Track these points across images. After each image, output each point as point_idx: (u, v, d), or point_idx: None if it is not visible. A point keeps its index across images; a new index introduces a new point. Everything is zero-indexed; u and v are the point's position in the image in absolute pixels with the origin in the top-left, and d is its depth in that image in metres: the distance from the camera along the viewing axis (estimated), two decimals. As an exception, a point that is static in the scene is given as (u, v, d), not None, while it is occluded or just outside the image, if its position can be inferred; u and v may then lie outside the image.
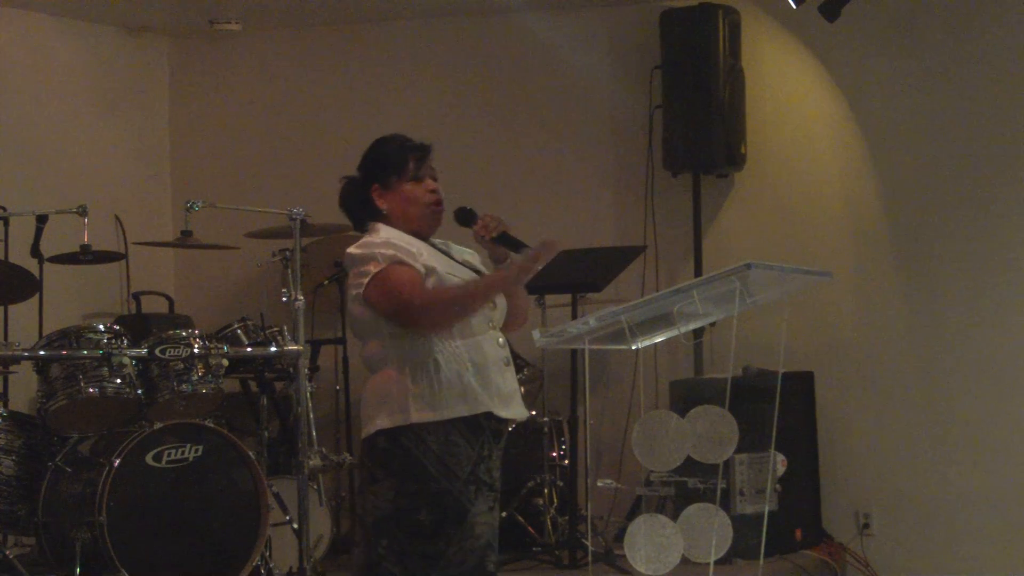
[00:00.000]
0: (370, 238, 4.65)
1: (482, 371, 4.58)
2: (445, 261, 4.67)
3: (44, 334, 7.07)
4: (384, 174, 4.70)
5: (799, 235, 8.12)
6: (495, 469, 4.65)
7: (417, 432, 4.52)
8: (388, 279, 4.54)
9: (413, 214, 4.68)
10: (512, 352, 4.77)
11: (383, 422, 4.56)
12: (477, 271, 4.72)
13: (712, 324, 6.95)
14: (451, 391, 4.54)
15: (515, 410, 4.67)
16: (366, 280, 4.56)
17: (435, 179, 4.73)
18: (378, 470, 4.59)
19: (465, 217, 4.71)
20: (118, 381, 6.59)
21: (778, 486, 7.05)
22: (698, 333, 7.57)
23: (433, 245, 4.72)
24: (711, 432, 5.15)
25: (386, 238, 4.61)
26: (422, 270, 4.56)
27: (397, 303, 4.54)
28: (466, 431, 4.57)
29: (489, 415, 4.59)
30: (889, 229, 8.04)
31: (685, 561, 5.15)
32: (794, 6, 7.33)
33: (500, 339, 4.68)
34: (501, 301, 4.71)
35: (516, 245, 4.68)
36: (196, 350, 6.60)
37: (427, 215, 4.69)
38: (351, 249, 4.66)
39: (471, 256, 4.81)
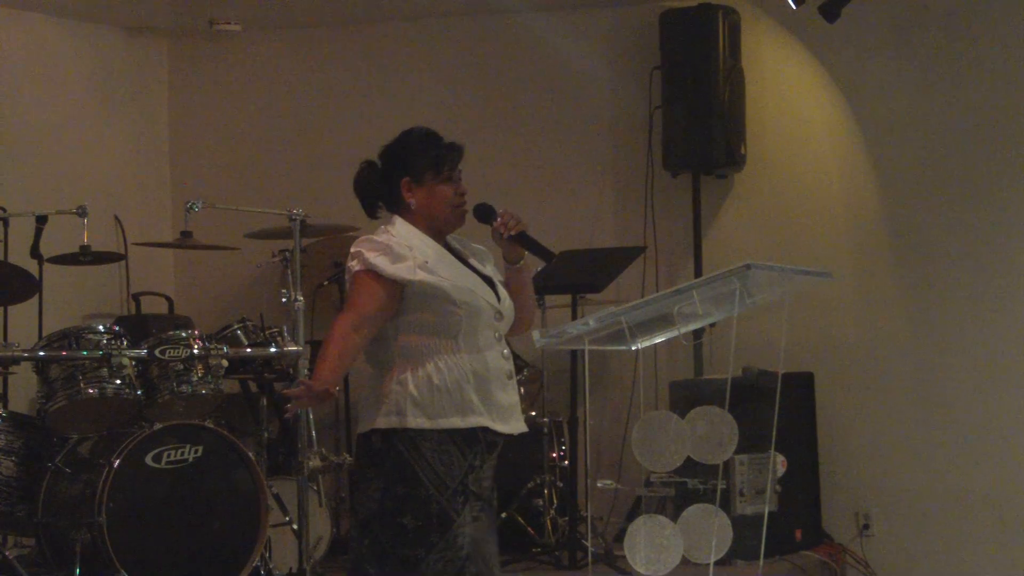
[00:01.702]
0: (375, 236, 4.64)
1: (483, 384, 4.58)
2: (452, 265, 4.66)
3: (44, 335, 7.07)
4: (418, 169, 4.68)
5: (799, 235, 8.12)
6: (486, 479, 4.65)
7: (412, 437, 4.53)
8: (354, 284, 4.58)
9: (440, 213, 4.68)
10: (512, 353, 4.76)
11: (379, 422, 4.57)
12: (485, 276, 4.71)
13: (712, 325, 6.94)
14: (449, 402, 4.54)
15: (513, 425, 4.67)
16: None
17: (461, 180, 4.73)
18: (369, 468, 4.60)
19: (484, 213, 4.73)
20: (118, 382, 6.58)
21: (778, 487, 7.04)
22: (698, 334, 7.56)
23: (448, 245, 4.72)
24: (711, 433, 5.15)
25: (387, 240, 4.60)
26: (400, 277, 4.53)
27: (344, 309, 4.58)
28: (461, 442, 4.57)
29: (485, 429, 4.59)
30: (889, 229, 8.04)
31: (685, 562, 5.15)
32: (794, 7, 7.33)
33: (505, 351, 4.68)
34: (507, 311, 4.71)
35: (534, 246, 4.70)
36: (196, 351, 6.60)
37: (452, 216, 4.70)
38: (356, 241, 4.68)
39: (483, 253, 4.81)
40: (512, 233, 4.68)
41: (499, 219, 4.69)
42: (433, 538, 4.52)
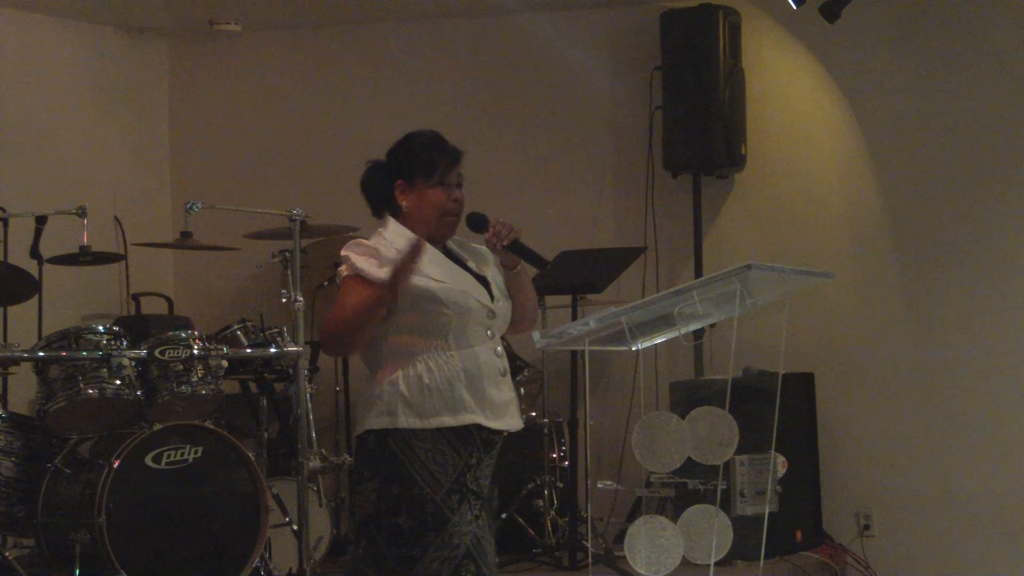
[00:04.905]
0: (365, 239, 4.64)
1: (475, 381, 4.57)
2: (443, 265, 4.64)
3: (43, 335, 7.07)
4: (410, 172, 4.67)
5: (799, 235, 8.12)
6: (483, 477, 4.62)
7: (405, 437, 4.52)
8: (341, 290, 4.57)
9: (429, 218, 4.65)
10: (512, 354, 4.76)
11: (372, 422, 4.57)
12: (479, 276, 4.71)
13: (712, 325, 6.94)
14: (440, 400, 4.53)
15: (508, 421, 4.65)
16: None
17: (460, 185, 4.70)
18: (365, 470, 4.60)
19: (477, 223, 4.70)
20: (117, 382, 6.58)
21: (778, 487, 7.04)
22: (698, 334, 7.56)
23: (445, 247, 4.71)
24: (711, 433, 5.14)
25: (375, 243, 4.59)
26: (387, 280, 4.52)
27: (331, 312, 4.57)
28: (455, 440, 4.56)
29: (479, 426, 4.59)
30: (889, 229, 8.04)
31: (685, 563, 5.14)
32: (794, 7, 7.33)
33: (498, 348, 4.67)
34: (501, 310, 4.70)
35: (528, 254, 4.68)
36: (196, 351, 6.60)
37: (440, 223, 4.67)
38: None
39: (483, 254, 4.79)
40: (505, 243, 4.67)
41: (491, 230, 4.67)
42: (429, 537, 4.51)
